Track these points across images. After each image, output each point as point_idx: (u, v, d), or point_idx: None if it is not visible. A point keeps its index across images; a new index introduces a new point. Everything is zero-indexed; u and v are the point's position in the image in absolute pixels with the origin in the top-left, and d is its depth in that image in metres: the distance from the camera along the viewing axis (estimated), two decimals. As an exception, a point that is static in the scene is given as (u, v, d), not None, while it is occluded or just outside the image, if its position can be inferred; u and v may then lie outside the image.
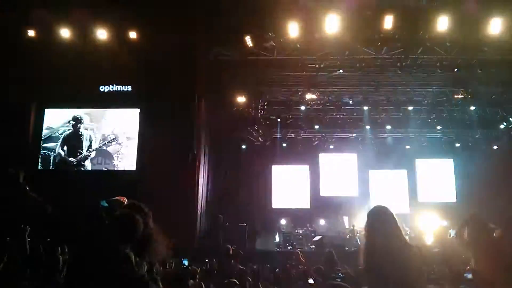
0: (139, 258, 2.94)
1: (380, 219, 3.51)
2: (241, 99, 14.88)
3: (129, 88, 12.83)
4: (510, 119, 16.40)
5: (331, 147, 18.90)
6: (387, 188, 18.82)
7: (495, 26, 10.22)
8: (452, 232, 13.19)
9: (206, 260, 8.96)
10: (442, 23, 10.25)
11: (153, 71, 11.92)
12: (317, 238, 15.12)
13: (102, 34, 11.20)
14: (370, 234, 3.51)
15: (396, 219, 3.52)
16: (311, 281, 5.49)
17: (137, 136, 12.72)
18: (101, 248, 2.89)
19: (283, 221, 17.31)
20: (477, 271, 4.69)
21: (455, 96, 14.60)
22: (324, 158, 19.43)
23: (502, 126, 16.96)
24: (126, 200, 3.63)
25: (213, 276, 6.25)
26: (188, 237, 11.50)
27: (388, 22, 10.25)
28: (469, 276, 4.93)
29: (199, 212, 12.68)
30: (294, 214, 18.14)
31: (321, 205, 18.29)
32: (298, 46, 11.66)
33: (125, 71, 12.15)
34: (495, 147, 17.75)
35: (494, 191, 15.81)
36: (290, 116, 16.96)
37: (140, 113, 12.88)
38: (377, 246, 3.39)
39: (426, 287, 3.78)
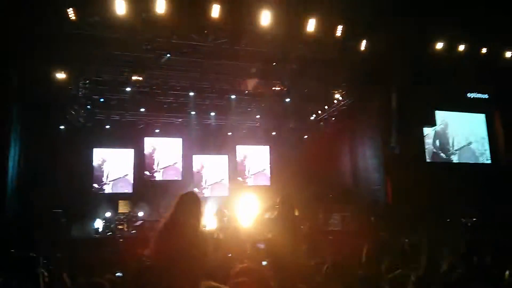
0: None
1: (181, 207, 3.68)
2: (60, 76, 13.74)
3: None
4: (319, 112, 18.45)
5: (157, 131, 18.81)
6: (210, 172, 19.60)
7: (310, 25, 11.28)
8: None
9: (12, 251, 8.23)
10: (265, 18, 10.97)
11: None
12: (139, 222, 15.04)
13: None
14: (167, 221, 3.67)
15: (198, 205, 3.70)
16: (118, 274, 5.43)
17: None
18: None
19: (104, 206, 16.73)
20: (270, 240, 5.40)
21: (273, 88, 15.78)
22: (149, 142, 19.27)
23: (312, 118, 19.01)
24: None
25: (14, 268, 5.75)
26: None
27: (215, 10, 10.52)
28: (261, 246, 5.59)
29: (6, 198, 11.47)
30: (116, 199, 17.71)
31: (145, 189, 18.17)
32: (125, 24, 11.24)
33: None
34: (306, 137, 19.77)
35: (304, 176, 17.63)
36: (115, 97, 16.37)
37: None
38: (169, 232, 3.58)
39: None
